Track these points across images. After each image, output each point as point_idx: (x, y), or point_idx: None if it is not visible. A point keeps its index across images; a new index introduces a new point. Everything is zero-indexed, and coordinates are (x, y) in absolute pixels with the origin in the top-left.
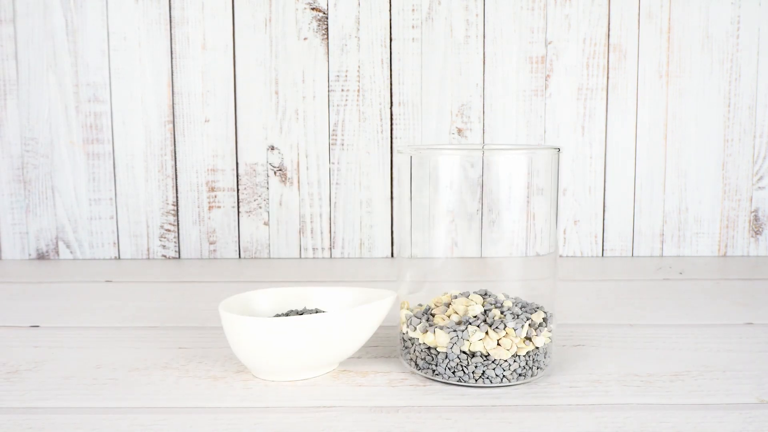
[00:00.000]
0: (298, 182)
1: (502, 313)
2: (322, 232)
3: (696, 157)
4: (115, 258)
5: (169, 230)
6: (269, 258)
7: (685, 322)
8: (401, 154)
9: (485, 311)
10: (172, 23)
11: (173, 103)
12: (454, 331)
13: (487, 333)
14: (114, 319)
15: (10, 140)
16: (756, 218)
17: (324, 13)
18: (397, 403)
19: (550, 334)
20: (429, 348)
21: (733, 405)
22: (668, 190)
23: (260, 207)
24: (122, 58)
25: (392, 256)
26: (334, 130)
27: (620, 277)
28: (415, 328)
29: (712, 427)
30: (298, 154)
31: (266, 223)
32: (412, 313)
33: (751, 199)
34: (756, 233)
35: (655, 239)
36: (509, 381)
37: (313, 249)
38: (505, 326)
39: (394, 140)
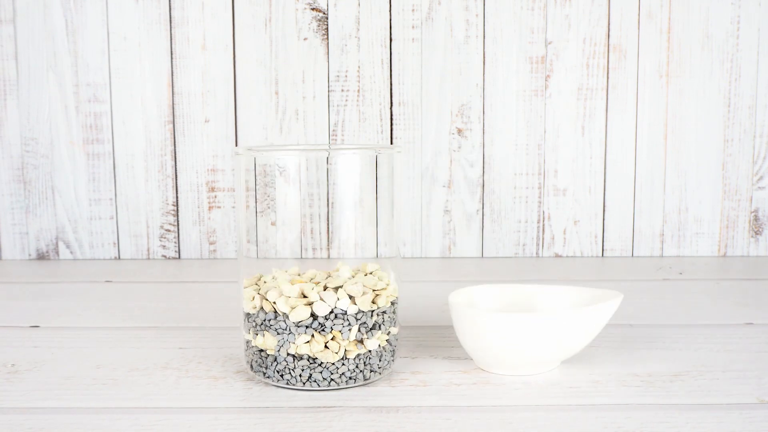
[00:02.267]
0: (299, 182)
1: (335, 317)
2: (321, 233)
3: (696, 157)
4: (115, 258)
5: (169, 230)
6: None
7: (685, 322)
8: (239, 156)
9: (312, 315)
10: (172, 23)
11: (173, 103)
12: (281, 333)
13: (313, 336)
14: (114, 319)
15: (10, 140)
16: (756, 218)
17: (324, 13)
18: (397, 403)
19: (387, 337)
20: (261, 350)
21: (733, 405)
22: (668, 190)
23: None
24: (122, 58)
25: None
26: (334, 130)
27: (620, 277)
28: (248, 331)
29: (712, 427)
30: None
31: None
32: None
33: (751, 199)
34: (756, 233)
35: (655, 239)
36: (337, 384)
37: (313, 249)
38: (332, 329)
39: (394, 140)
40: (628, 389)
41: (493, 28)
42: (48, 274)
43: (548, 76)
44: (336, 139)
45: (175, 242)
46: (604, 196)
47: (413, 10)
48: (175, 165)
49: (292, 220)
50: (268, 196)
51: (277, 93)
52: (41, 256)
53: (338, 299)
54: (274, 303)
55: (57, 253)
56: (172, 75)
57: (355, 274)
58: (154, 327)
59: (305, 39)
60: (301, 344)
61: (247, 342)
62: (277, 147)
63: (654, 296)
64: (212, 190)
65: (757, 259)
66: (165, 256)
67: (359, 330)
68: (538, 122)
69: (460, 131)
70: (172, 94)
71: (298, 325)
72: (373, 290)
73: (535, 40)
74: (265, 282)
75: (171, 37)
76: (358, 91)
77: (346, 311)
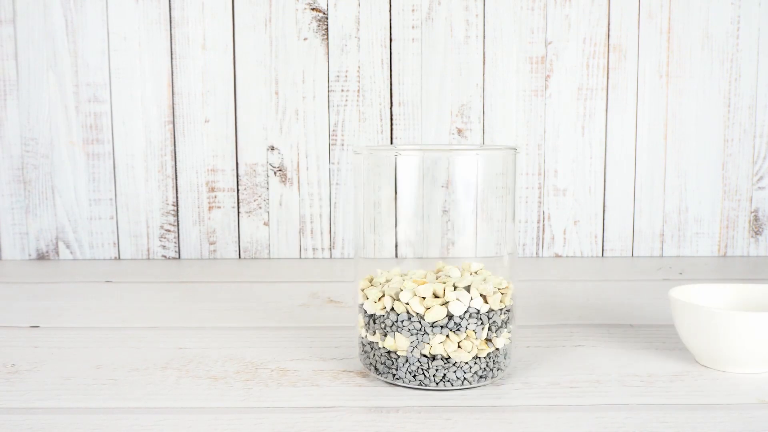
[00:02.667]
0: (298, 182)
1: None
2: (322, 233)
3: (696, 157)
4: (115, 258)
5: (169, 230)
6: (269, 258)
7: None
8: (358, 155)
9: (449, 315)
10: (172, 23)
11: (173, 103)
12: (414, 334)
13: (447, 336)
14: (114, 319)
15: (10, 140)
16: (756, 218)
17: (324, 14)
18: (397, 403)
19: (509, 335)
20: (389, 352)
21: (733, 405)
22: (668, 190)
23: (260, 207)
24: (122, 58)
25: (396, 257)
26: (334, 130)
27: (620, 277)
28: (375, 332)
29: (712, 427)
30: (298, 154)
31: (266, 224)
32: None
33: (751, 199)
34: (756, 233)
35: (655, 239)
36: (470, 383)
37: (313, 249)
38: (466, 328)
39: (394, 140)
40: (628, 389)
41: (493, 28)
42: (48, 274)
43: (548, 76)
44: (336, 139)
45: (175, 242)
46: (604, 196)
47: (413, 10)
48: (175, 165)
49: (406, 219)
50: (383, 196)
51: (277, 93)
52: (41, 256)
53: (471, 298)
54: (407, 304)
55: (57, 253)
56: (172, 75)
57: (462, 273)
58: (154, 327)
59: (305, 39)
60: (435, 344)
61: (371, 344)
62: (396, 147)
63: (654, 296)
64: (212, 190)
65: (757, 259)
66: (165, 256)
67: (489, 328)
68: (538, 122)
69: (460, 131)
70: (172, 94)
71: (433, 325)
72: (499, 289)
73: (535, 40)
74: (381, 283)
75: (171, 37)
76: (358, 91)
77: (479, 310)
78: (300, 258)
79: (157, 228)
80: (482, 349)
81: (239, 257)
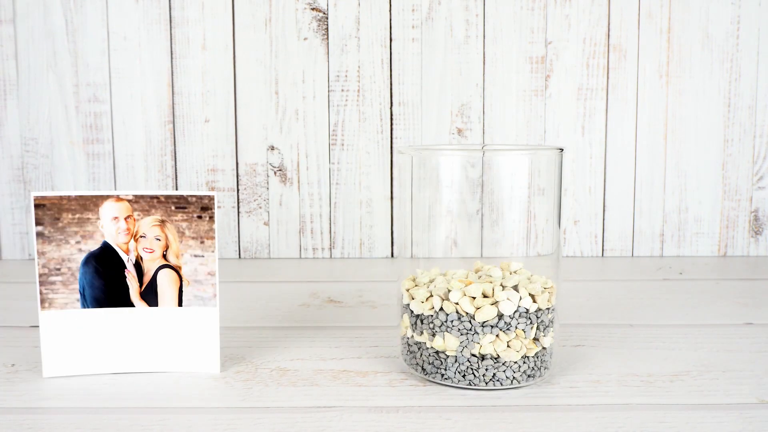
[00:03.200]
0: (298, 182)
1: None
2: (322, 232)
3: (696, 157)
4: None
5: None
6: (269, 258)
7: (685, 322)
8: (402, 154)
9: (499, 315)
10: (172, 23)
11: (173, 103)
12: (464, 334)
13: (498, 336)
14: None
15: (10, 140)
16: (756, 218)
17: (324, 13)
18: (397, 403)
19: (553, 335)
20: (437, 352)
21: (733, 405)
22: (668, 190)
23: (260, 207)
24: (122, 58)
25: (392, 256)
26: (334, 130)
27: (620, 277)
28: (422, 332)
29: (712, 427)
30: (298, 154)
31: (266, 223)
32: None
33: (751, 199)
34: (756, 233)
35: (655, 239)
36: (519, 382)
37: (313, 249)
38: (516, 328)
39: (394, 140)
40: (628, 389)
41: (493, 28)
42: None
43: (548, 76)
44: (336, 139)
45: None
46: (604, 196)
47: (413, 10)
48: (175, 165)
49: (450, 218)
50: (428, 196)
51: (277, 93)
52: None
53: (521, 298)
54: (457, 304)
55: None
56: (172, 75)
57: (504, 273)
58: None
59: (305, 39)
60: (485, 344)
61: (417, 344)
62: (440, 146)
63: (654, 296)
64: (212, 190)
65: (757, 259)
66: None
67: (537, 327)
68: (538, 122)
69: (460, 131)
70: (172, 94)
71: (483, 325)
72: (545, 288)
73: (535, 40)
74: (425, 282)
75: (171, 37)
76: (358, 91)
77: (528, 309)
78: (300, 258)
79: None
80: (531, 349)
81: (239, 257)
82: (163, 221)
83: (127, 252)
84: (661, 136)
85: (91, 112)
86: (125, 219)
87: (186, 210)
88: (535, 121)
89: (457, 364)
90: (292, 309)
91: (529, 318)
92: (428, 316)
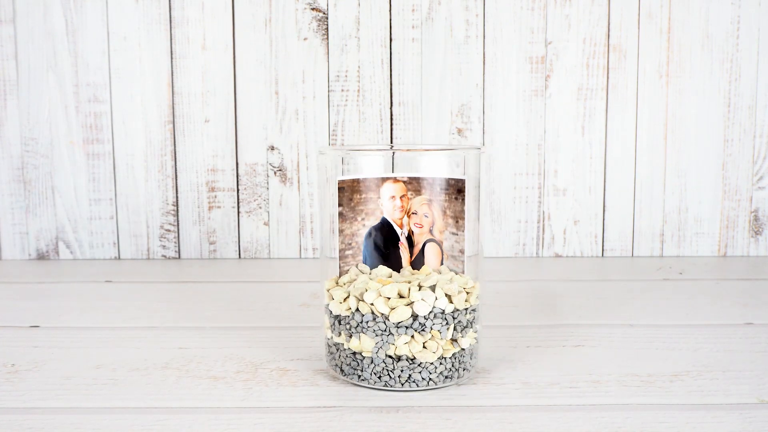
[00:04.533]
0: (298, 182)
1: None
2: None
3: (696, 157)
4: (115, 258)
5: (169, 230)
6: (269, 258)
7: (685, 322)
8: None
9: (414, 315)
10: (172, 23)
11: (173, 103)
12: (379, 335)
13: (413, 336)
14: (114, 319)
15: (10, 140)
16: (756, 218)
17: (324, 13)
18: (397, 403)
19: (476, 335)
20: (354, 353)
21: (733, 405)
22: (668, 190)
23: (260, 207)
24: (122, 58)
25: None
26: (334, 130)
27: (620, 277)
28: (340, 333)
29: (712, 427)
30: (298, 154)
31: (266, 224)
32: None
33: (751, 199)
34: (756, 233)
35: (655, 239)
36: (435, 384)
37: (313, 249)
38: (431, 329)
39: (394, 140)
40: (628, 389)
41: (493, 28)
42: (48, 274)
43: (548, 76)
44: (336, 139)
45: (175, 242)
46: (604, 196)
47: (413, 10)
48: (175, 165)
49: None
50: (356, 200)
51: (277, 93)
52: (41, 256)
53: (436, 298)
54: (372, 304)
55: (57, 253)
56: (172, 75)
57: (428, 274)
58: (154, 327)
59: (305, 39)
60: (400, 345)
61: (336, 345)
62: (358, 147)
63: (654, 296)
64: (212, 190)
65: (757, 259)
66: (165, 256)
67: (455, 328)
68: (538, 122)
69: (460, 131)
70: (172, 94)
71: (398, 325)
72: (464, 288)
73: (535, 40)
74: (346, 283)
75: (171, 37)
76: (358, 91)
77: (444, 310)
78: (300, 258)
79: (157, 228)
80: (447, 350)
81: (239, 257)
82: (430, 200)
83: (401, 226)
84: (661, 136)
85: (91, 112)
86: (400, 198)
87: (447, 191)
88: (535, 121)
89: (373, 365)
90: (292, 309)
91: (445, 319)
92: (345, 317)
